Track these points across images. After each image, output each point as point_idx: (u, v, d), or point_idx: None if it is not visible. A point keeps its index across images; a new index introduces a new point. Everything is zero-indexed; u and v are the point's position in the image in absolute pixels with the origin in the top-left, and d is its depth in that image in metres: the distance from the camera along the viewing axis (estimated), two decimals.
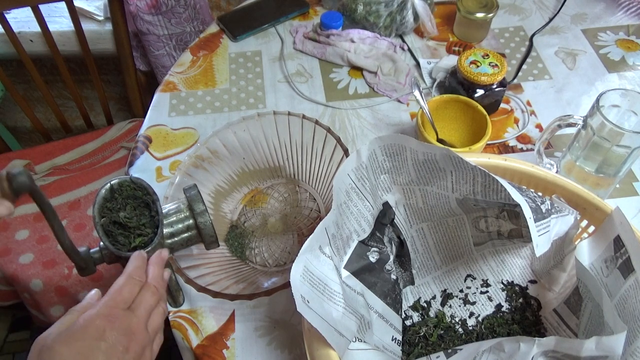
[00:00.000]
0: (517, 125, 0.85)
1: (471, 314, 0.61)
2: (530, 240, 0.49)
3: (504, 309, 0.61)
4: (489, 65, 0.81)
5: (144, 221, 0.51)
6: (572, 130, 0.71)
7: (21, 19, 1.28)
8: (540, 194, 0.56)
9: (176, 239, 0.54)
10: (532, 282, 0.61)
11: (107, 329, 0.41)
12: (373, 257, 0.56)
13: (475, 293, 0.62)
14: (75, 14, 1.12)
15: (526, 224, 0.48)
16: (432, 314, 0.61)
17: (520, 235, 0.58)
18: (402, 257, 0.61)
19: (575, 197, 0.56)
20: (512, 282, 0.62)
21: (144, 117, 0.89)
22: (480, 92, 0.81)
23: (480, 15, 0.92)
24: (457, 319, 0.61)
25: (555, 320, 0.58)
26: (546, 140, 0.73)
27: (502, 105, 0.87)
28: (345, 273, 0.53)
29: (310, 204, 0.75)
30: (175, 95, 0.91)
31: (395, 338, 0.56)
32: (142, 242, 0.50)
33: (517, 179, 0.59)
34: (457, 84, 0.84)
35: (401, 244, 0.60)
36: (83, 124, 1.30)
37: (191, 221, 0.54)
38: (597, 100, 0.64)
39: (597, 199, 0.55)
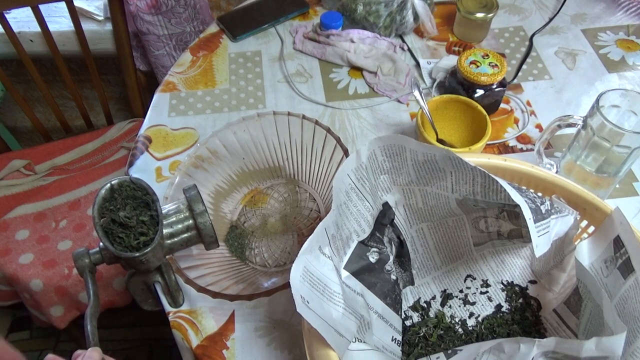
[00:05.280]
0: (517, 126, 0.85)
1: (471, 314, 0.61)
2: (530, 240, 0.49)
3: (503, 309, 0.61)
4: (489, 65, 0.81)
5: (143, 220, 0.51)
6: (572, 131, 0.71)
7: (21, 19, 1.28)
8: (540, 194, 0.56)
9: (176, 239, 0.54)
10: (532, 282, 0.61)
11: None
12: (373, 258, 0.56)
13: (475, 293, 0.62)
14: (75, 14, 1.12)
15: (526, 225, 0.48)
16: (432, 314, 0.61)
17: (520, 235, 0.58)
18: (402, 257, 0.61)
19: (575, 197, 0.56)
20: (512, 282, 0.62)
21: (144, 117, 0.89)
22: (480, 92, 0.81)
23: (480, 15, 0.92)
24: (457, 319, 0.61)
25: (555, 321, 0.58)
26: (546, 141, 0.73)
27: (502, 105, 0.87)
28: (345, 273, 0.53)
29: (310, 204, 0.75)
30: (175, 95, 0.91)
31: (395, 338, 0.56)
32: (144, 241, 0.50)
33: (517, 179, 0.59)
34: (457, 84, 0.83)
35: (401, 245, 0.60)
36: (83, 124, 1.30)
37: (191, 221, 0.54)
38: (597, 101, 0.64)
39: (597, 199, 0.55)
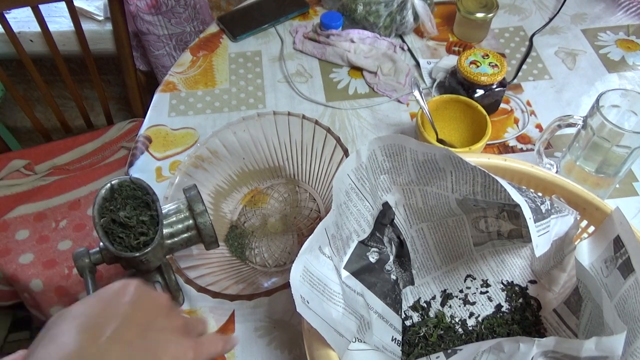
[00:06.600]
0: (517, 126, 0.85)
1: (471, 314, 0.61)
2: (530, 240, 0.49)
3: (503, 309, 0.61)
4: (489, 65, 0.81)
5: (143, 220, 0.51)
6: (572, 130, 0.71)
7: (21, 19, 1.28)
8: (540, 194, 0.56)
9: (176, 239, 0.54)
10: (532, 282, 0.61)
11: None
12: (373, 258, 0.56)
13: (475, 293, 0.62)
14: (75, 14, 1.12)
15: (526, 224, 0.48)
16: (432, 314, 0.61)
17: (520, 235, 0.58)
18: (402, 257, 0.61)
19: (575, 197, 0.56)
20: (512, 282, 0.62)
21: (144, 117, 0.89)
22: (480, 92, 0.81)
23: (480, 15, 0.92)
24: (457, 319, 0.61)
25: (555, 321, 0.58)
26: (546, 141, 0.73)
27: (502, 105, 0.87)
28: (345, 273, 0.53)
29: (310, 204, 0.75)
30: (175, 95, 0.91)
31: (395, 338, 0.56)
32: (144, 241, 0.50)
33: (517, 179, 0.59)
34: (457, 84, 0.83)
35: (401, 244, 0.60)
36: (83, 124, 1.30)
37: (191, 221, 0.54)
38: (597, 101, 0.64)
39: (597, 199, 0.55)
